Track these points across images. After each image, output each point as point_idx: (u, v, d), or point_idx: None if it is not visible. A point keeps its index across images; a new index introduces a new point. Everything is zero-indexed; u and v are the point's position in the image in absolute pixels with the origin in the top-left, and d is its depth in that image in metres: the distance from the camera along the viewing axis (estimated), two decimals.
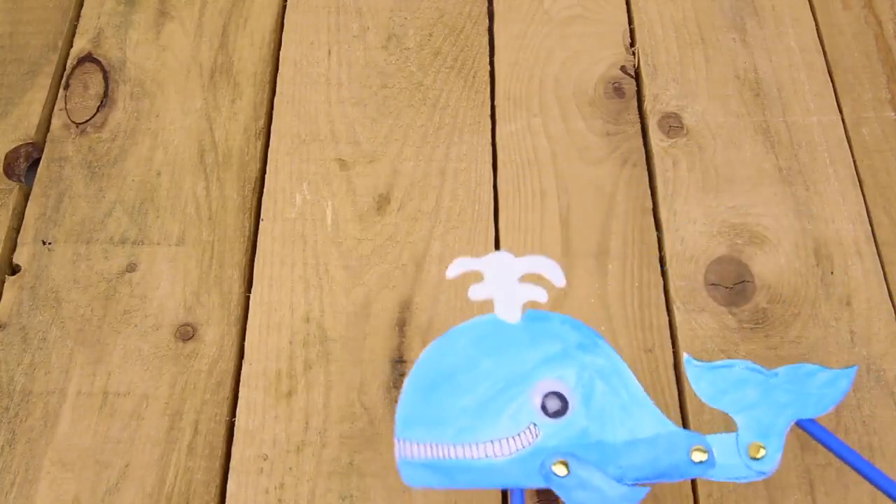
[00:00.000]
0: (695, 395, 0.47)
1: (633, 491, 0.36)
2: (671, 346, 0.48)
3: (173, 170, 0.54)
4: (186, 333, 0.49)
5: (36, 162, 0.55)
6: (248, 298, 0.50)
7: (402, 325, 0.49)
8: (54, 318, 0.49)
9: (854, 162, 0.55)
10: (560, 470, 0.36)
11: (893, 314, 0.49)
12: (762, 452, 0.35)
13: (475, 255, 0.51)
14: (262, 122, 0.56)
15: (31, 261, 0.51)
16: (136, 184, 0.54)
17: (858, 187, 0.54)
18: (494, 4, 0.61)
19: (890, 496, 0.34)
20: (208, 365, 0.48)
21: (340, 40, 0.59)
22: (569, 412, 0.37)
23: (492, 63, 0.58)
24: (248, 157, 0.55)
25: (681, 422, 0.46)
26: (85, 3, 0.61)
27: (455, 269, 0.38)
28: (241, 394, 0.47)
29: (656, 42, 0.59)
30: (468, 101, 0.56)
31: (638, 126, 0.56)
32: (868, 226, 0.52)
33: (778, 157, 0.55)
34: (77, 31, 0.60)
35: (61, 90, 0.57)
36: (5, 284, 0.51)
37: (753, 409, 0.36)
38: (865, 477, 0.35)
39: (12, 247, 0.52)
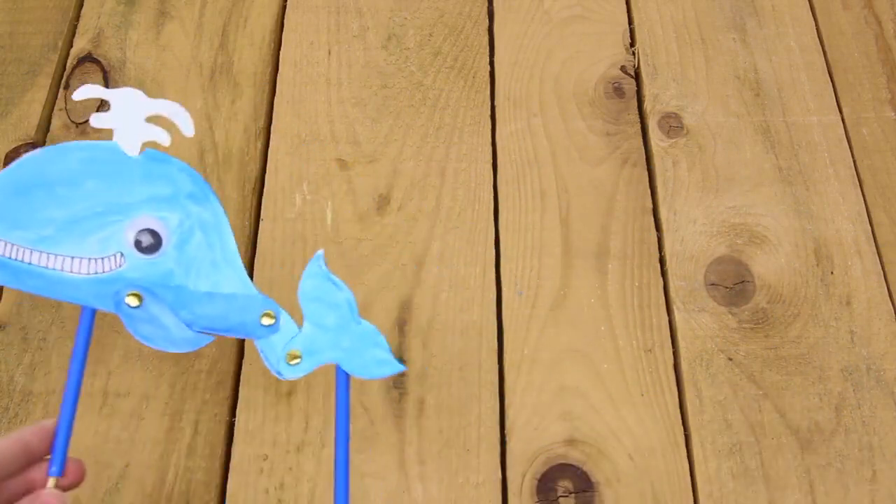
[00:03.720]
0: (695, 395, 0.47)
1: (198, 338, 0.38)
2: (671, 346, 0.48)
3: None
4: None
5: None
6: None
7: (402, 325, 0.49)
8: (54, 318, 0.49)
9: (854, 162, 0.55)
10: (132, 301, 0.37)
11: (893, 314, 0.49)
12: (296, 362, 0.38)
13: (474, 255, 0.51)
14: (262, 122, 0.56)
15: None
16: None
17: (858, 187, 0.54)
18: (494, 4, 0.61)
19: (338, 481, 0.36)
20: (208, 365, 0.48)
21: (340, 40, 0.59)
22: (159, 252, 0.38)
23: (492, 63, 0.58)
24: (248, 157, 0.55)
25: (680, 421, 0.46)
26: (85, 3, 0.61)
27: (82, 93, 0.38)
28: (241, 394, 0.47)
29: (656, 42, 0.59)
30: (468, 101, 0.56)
31: (638, 126, 0.56)
32: (868, 226, 0.52)
33: (778, 157, 0.55)
34: (77, 31, 0.60)
35: (61, 90, 0.57)
36: None
37: (322, 329, 0.38)
38: (336, 454, 0.36)
39: None
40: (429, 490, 0.44)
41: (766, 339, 0.49)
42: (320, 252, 0.39)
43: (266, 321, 0.38)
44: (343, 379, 0.37)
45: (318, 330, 0.38)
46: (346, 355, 0.38)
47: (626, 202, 0.53)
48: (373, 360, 0.38)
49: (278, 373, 0.38)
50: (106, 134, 0.38)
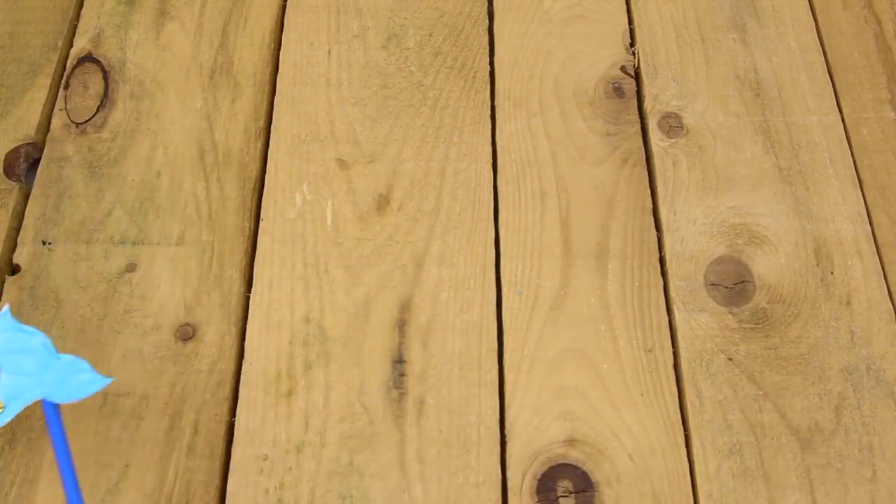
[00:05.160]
0: (695, 395, 0.47)
1: None
2: (671, 346, 0.48)
3: (173, 170, 0.54)
4: (186, 333, 0.49)
5: (36, 162, 0.55)
6: (248, 298, 0.50)
7: (402, 325, 0.49)
8: (54, 318, 0.49)
9: (854, 162, 0.55)
10: None
11: (893, 314, 0.49)
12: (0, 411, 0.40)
13: (474, 255, 0.51)
14: (262, 122, 0.56)
15: (31, 261, 0.51)
16: (136, 184, 0.54)
17: (858, 187, 0.54)
18: (494, 4, 0.61)
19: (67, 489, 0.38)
20: (208, 365, 0.48)
21: (340, 40, 0.59)
22: None
23: (492, 63, 0.58)
24: (248, 157, 0.55)
25: (680, 421, 0.46)
26: (85, 3, 0.61)
27: None
28: (241, 394, 0.47)
29: (656, 42, 0.59)
30: (468, 101, 0.56)
31: (638, 126, 0.56)
32: (868, 226, 0.52)
33: (778, 157, 0.55)
34: (77, 31, 0.60)
35: (61, 90, 0.57)
36: (5, 284, 0.51)
37: (21, 375, 0.40)
38: (59, 467, 0.39)
39: (12, 247, 0.52)
40: (428, 490, 0.44)
41: (766, 339, 0.49)
42: (6, 307, 0.41)
43: None
44: (51, 410, 0.40)
45: (17, 377, 0.40)
46: (52, 389, 0.40)
47: (626, 202, 0.53)
48: (78, 385, 0.40)
49: None
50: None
